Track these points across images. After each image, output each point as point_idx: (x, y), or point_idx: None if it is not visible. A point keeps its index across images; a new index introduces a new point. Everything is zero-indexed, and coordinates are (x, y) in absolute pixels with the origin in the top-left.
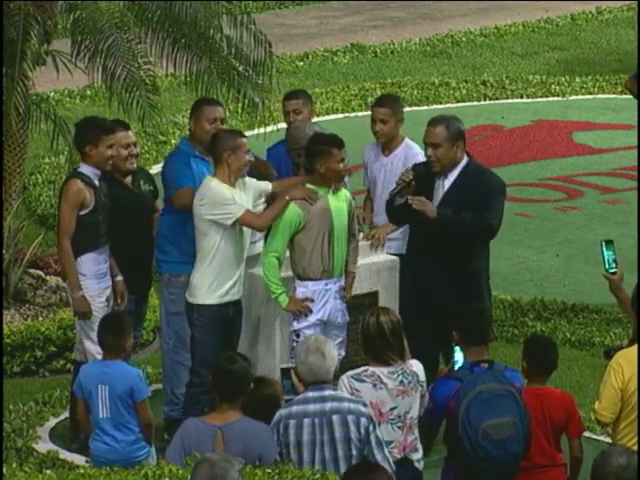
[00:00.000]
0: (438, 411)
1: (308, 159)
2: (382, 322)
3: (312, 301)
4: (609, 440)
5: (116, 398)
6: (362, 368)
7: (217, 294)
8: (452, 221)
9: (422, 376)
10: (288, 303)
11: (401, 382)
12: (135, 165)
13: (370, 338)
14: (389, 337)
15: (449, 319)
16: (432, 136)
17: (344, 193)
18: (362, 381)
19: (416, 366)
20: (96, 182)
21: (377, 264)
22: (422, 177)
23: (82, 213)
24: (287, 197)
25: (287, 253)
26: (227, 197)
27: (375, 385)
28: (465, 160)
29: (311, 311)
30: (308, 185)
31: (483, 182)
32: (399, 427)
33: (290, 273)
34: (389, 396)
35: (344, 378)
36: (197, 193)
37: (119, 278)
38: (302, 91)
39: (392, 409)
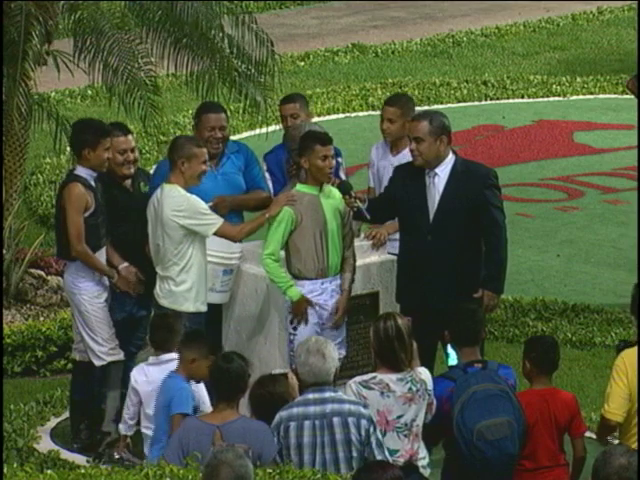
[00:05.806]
0: (436, 412)
1: (297, 156)
2: (400, 325)
3: (312, 306)
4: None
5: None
6: (370, 375)
7: (202, 300)
8: (502, 268)
9: (430, 384)
10: (300, 300)
11: (409, 389)
12: (132, 170)
13: (388, 341)
14: (406, 340)
15: (441, 319)
16: (415, 130)
17: (337, 192)
18: (370, 388)
19: (425, 374)
20: (92, 184)
21: (378, 264)
22: (409, 176)
23: (84, 216)
24: (266, 215)
25: (282, 254)
26: (204, 206)
27: (383, 393)
28: (452, 157)
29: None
30: (299, 185)
31: (475, 178)
32: (405, 435)
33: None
34: (396, 404)
35: (352, 384)
36: (167, 202)
37: (124, 264)
38: (298, 94)
39: (399, 417)
